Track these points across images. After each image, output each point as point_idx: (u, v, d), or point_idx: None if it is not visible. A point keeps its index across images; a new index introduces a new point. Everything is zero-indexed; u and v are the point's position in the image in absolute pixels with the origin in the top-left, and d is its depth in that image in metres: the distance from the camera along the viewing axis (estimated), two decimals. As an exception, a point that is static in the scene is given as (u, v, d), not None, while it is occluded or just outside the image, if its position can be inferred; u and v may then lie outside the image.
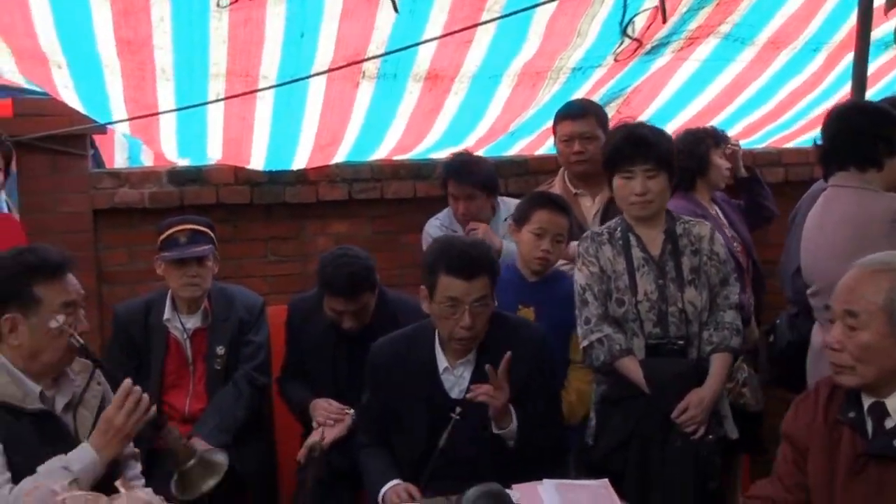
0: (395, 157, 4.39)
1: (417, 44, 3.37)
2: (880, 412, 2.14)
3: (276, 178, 4.25)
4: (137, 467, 2.61)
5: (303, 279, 4.23)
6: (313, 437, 3.19)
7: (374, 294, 3.35)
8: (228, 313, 3.49)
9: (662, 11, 3.32)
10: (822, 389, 2.27)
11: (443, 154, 4.23)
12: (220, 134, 3.92)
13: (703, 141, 3.87)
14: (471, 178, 3.77)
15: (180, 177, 4.18)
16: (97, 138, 4.24)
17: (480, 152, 4.26)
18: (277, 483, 3.61)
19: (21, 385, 2.38)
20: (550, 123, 3.87)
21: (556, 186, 3.83)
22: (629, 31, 3.55)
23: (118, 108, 3.64)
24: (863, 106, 3.26)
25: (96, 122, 3.82)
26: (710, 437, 2.93)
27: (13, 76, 3.51)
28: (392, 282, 3.86)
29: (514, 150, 4.62)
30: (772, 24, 3.85)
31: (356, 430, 3.15)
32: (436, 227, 3.93)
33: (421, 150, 4.36)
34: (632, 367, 2.93)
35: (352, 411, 3.26)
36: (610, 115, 4.00)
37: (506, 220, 3.77)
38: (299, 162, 4.20)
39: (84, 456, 2.33)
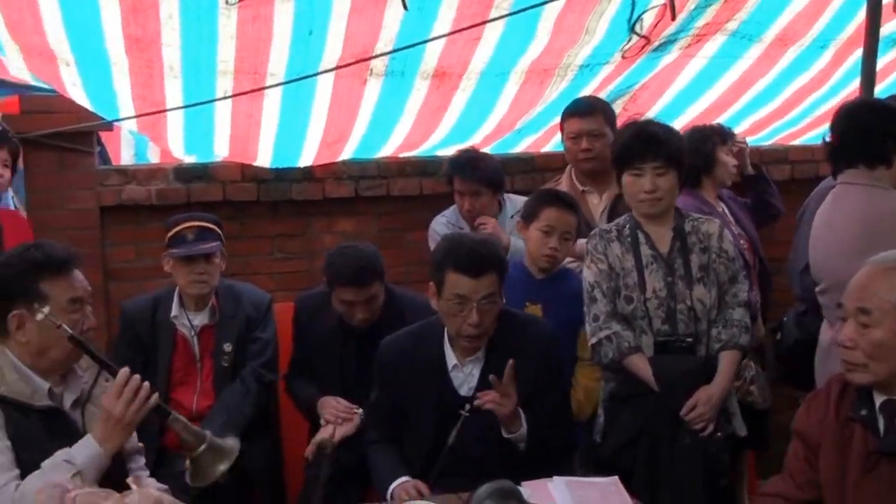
0: (402, 155, 4.38)
1: (426, 41, 3.37)
2: (892, 410, 2.14)
3: (282, 176, 4.24)
4: (142, 460, 2.60)
5: (309, 276, 4.22)
6: (322, 434, 3.19)
7: (383, 285, 3.34)
8: (236, 310, 3.49)
9: (671, 8, 3.32)
10: (834, 386, 2.27)
11: (449, 151, 4.22)
12: (227, 131, 3.92)
13: (710, 138, 3.87)
14: (476, 174, 3.77)
15: (187, 174, 4.17)
16: (103, 135, 4.25)
17: (487, 149, 4.26)
18: (284, 479, 3.62)
19: (29, 382, 2.37)
20: (558, 120, 3.87)
21: (564, 184, 3.82)
22: (637, 28, 3.55)
23: (126, 106, 3.64)
24: (872, 103, 3.26)
25: (103, 119, 3.82)
26: (719, 434, 2.92)
27: (21, 73, 3.52)
28: (398, 279, 3.85)
29: (520, 147, 4.61)
30: (779, 20, 3.84)
31: (364, 427, 3.15)
32: (442, 224, 3.92)
33: (428, 148, 4.36)
34: (640, 365, 2.93)
35: (360, 410, 3.26)
36: (617, 112, 3.99)
37: (512, 216, 3.77)
38: (306, 159, 4.20)
39: (87, 449, 2.30)
